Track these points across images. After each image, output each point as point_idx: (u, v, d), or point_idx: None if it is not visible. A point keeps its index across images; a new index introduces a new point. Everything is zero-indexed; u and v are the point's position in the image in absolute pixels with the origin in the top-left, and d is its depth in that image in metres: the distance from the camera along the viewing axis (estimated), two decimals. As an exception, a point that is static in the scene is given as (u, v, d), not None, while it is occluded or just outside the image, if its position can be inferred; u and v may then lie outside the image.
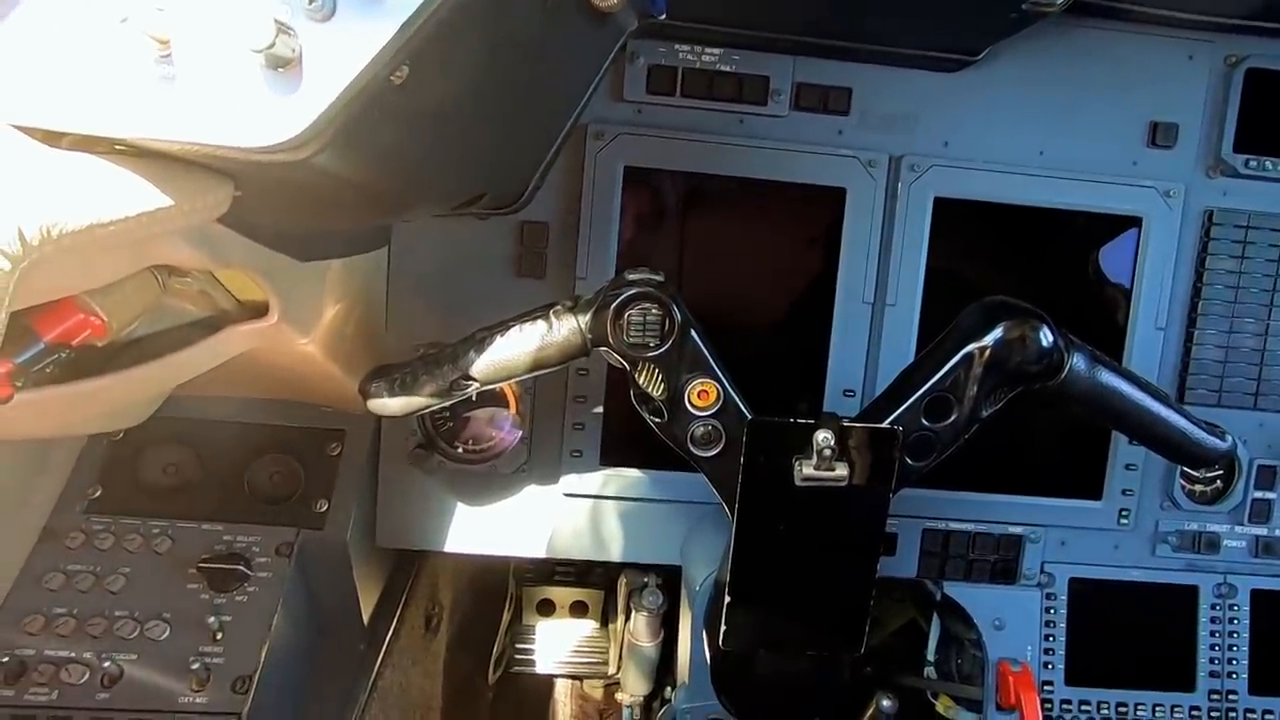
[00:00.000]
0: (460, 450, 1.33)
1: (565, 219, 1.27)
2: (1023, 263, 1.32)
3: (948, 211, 1.27)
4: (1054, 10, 1.04)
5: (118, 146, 0.58)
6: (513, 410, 1.32)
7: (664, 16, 0.91)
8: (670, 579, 1.50)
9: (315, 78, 0.54)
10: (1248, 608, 1.36)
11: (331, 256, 1.04)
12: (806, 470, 0.92)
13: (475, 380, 0.94)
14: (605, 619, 1.89)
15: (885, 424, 0.95)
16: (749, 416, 0.95)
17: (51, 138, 0.56)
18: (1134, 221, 1.29)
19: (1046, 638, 1.35)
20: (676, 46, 1.23)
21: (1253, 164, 1.29)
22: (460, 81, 0.71)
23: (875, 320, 1.29)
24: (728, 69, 1.24)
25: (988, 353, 0.93)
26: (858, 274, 1.28)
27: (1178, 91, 1.28)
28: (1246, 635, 1.36)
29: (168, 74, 0.53)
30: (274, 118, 0.54)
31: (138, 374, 0.84)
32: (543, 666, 1.90)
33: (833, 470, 0.92)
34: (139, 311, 0.78)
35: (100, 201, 0.56)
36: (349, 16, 0.54)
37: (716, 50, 1.24)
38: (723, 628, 1.01)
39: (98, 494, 1.20)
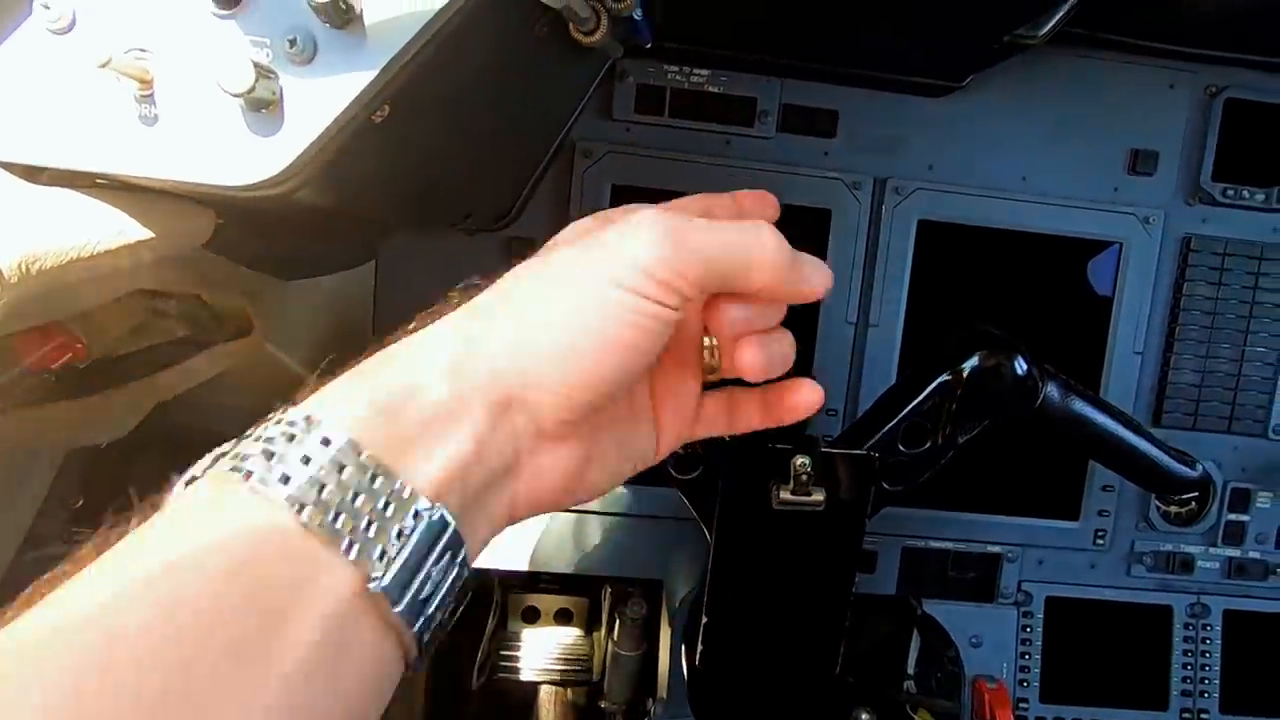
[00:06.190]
0: (445, 463, 1.33)
1: (553, 235, 1.27)
2: (1004, 285, 1.34)
3: (931, 234, 1.29)
4: (1035, 42, 1.05)
5: (99, 181, 0.59)
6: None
7: (649, 45, 0.92)
8: (654, 589, 1.50)
9: (296, 119, 0.55)
10: (1220, 628, 1.38)
11: (317, 274, 1.05)
12: (784, 495, 0.93)
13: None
14: (590, 626, 1.90)
15: (863, 450, 0.96)
16: (728, 440, 0.97)
17: (32, 173, 0.56)
18: (1114, 246, 1.30)
19: (1022, 655, 1.37)
20: (665, 66, 1.24)
21: (1230, 192, 1.30)
22: (443, 114, 0.72)
23: (858, 340, 1.31)
24: (716, 90, 1.25)
25: (962, 381, 0.95)
26: (841, 294, 1.29)
27: (1158, 120, 1.30)
28: (1218, 655, 1.38)
29: (149, 114, 0.54)
30: (255, 157, 0.55)
31: (121, 393, 0.85)
32: (527, 674, 1.91)
33: (809, 495, 0.93)
34: (123, 332, 0.78)
35: (80, 235, 0.57)
36: (330, 60, 0.55)
37: (705, 71, 1.25)
38: (699, 647, 1.02)
39: (80, 504, 1.20)
